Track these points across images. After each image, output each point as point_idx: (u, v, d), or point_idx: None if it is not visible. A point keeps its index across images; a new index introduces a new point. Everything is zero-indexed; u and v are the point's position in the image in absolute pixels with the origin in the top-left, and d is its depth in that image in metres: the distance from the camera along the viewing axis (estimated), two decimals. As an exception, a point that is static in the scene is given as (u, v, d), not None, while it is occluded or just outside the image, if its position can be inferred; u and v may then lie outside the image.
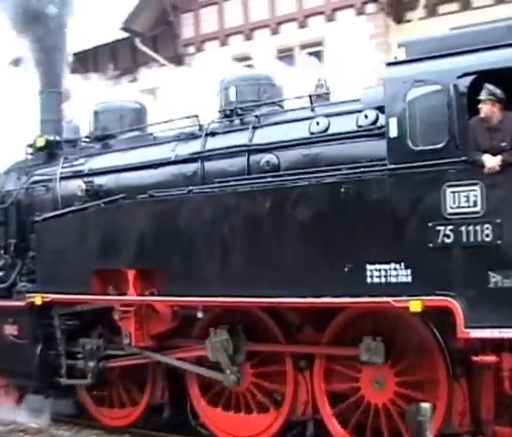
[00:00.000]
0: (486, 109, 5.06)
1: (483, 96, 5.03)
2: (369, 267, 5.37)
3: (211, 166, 6.93)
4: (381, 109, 5.72)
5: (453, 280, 5.06)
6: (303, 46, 15.50)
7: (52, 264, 7.46)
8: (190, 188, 6.53)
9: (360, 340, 5.75)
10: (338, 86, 7.10)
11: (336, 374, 6.19)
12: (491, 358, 5.03)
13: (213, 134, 7.11)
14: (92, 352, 7.37)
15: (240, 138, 6.88)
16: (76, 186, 7.77)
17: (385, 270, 5.29)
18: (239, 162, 6.76)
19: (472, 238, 5.01)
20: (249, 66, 11.06)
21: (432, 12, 14.67)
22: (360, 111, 6.18)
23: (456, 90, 5.10)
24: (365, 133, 5.99)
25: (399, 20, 14.99)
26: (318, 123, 6.40)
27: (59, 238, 7.42)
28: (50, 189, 8.32)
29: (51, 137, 8.54)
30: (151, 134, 7.93)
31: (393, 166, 5.33)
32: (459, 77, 5.13)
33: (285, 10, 15.80)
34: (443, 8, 14.62)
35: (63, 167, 8.21)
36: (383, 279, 5.31)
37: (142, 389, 7.44)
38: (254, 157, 6.66)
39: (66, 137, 8.79)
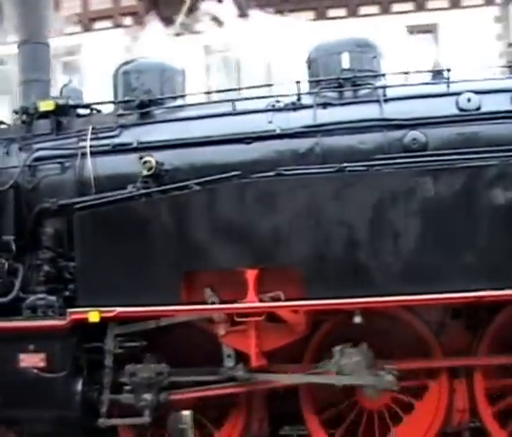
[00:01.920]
0: None
1: None
2: None
3: (333, 142, 5.75)
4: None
5: None
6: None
7: (111, 267, 5.48)
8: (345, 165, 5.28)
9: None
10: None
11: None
12: None
13: (324, 105, 5.93)
14: (150, 381, 5.56)
15: (366, 112, 5.84)
16: (126, 164, 5.90)
17: None
18: (371, 138, 5.70)
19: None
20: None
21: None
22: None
23: None
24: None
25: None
26: (469, 100, 5.70)
27: (123, 233, 5.49)
28: (70, 168, 6.18)
29: (61, 101, 6.35)
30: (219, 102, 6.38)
31: None
32: None
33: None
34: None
35: (93, 139, 6.15)
36: None
37: (219, 424, 5.84)
38: (392, 134, 5.69)
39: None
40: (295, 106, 6.01)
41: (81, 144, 6.17)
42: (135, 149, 6.03)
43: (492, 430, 5.38)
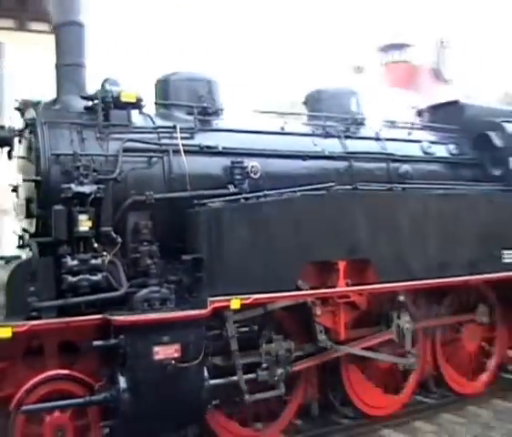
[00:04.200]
0: None
1: None
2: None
3: (360, 166, 7.48)
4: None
5: None
6: None
7: (241, 259, 5.93)
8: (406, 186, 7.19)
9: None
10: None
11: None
12: None
13: (347, 137, 7.61)
14: (281, 358, 6.28)
15: (373, 146, 7.77)
16: (213, 165, 6.40)
17: None
18: (380, 167, 7.68)
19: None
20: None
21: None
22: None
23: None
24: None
25: None
26: (429, 146, 8.24)
27: (250, 229, 6.03)
28: (157, 163, 6.17)
29: (135, 95, 6.17)
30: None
31: None
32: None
33: None
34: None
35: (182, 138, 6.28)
36: None
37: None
38: (393, 165, 7.78)
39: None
40: (326, 134, 7.50)
41: (171, 141, 6.27)
42: (220, 153, 6.52)
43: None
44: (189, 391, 5.62)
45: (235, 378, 5.99)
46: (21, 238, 6.40)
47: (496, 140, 8.22)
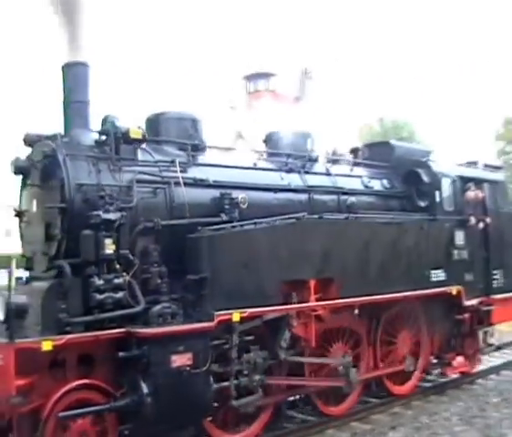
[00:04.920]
0: None
1: None
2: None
3: (317, 198, 8.68)
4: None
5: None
6: None
7: (237, 278, 6.86)
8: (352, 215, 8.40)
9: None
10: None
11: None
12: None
13: (306, 172, 8.79)
14: (258, 366, 7.21)
15: (325, 180, 9.00)
16: (205, 195, 7.32)
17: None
18: (332, 199, 8.93)
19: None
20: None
21: None
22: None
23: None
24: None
25: None
26: (369, 181, 9.62)
27: (244, 252, 6.98)
28: (160, 193, 6.95)
29: (141, 131, 6.91)
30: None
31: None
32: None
33: None
34: None
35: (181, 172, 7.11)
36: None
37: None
38: (342, 197, 9.05)
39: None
40: (287, 170, 8.63)
41: (171, 174, 7.08)
42: (210, 185, 7.42)
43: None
44: (199, 393, 6.46)
45: (226, 383, 6.88)
46: (28, 259, 6.89)
47: (424, 176, 9.81)
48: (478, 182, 10.60)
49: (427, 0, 75.31)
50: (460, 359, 10.30)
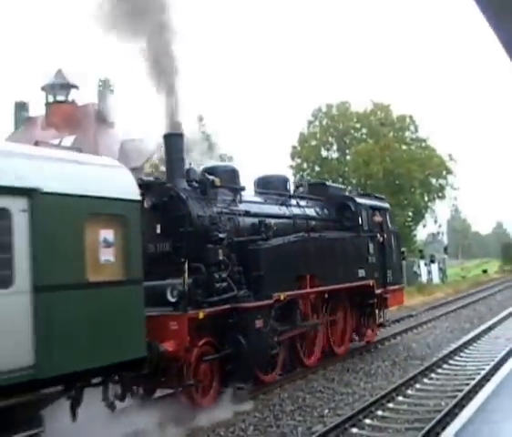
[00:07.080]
0: None
1: None
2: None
3: (298, 223, 13.07)
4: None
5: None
6: None
7: (276, 274, 11.00)
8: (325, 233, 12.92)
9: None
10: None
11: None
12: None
13: (289, 205, 13.13)
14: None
15: (298, 210, 13.43)
16: (250, 222, 11.35)
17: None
18: (303, 223, 13.38)
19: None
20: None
21: None
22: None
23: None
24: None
25: None
26: (317, 210, 14.25)
27: (281, 257, 11.15)
28: (231, 220, 10.83)
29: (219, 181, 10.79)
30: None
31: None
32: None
33: None
34: None
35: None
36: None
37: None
38: (308, 222, 13.53)
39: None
40: (280, 203, 12.92)
41: (234, 208, 11.02)
42: (252, 215, 11.46)
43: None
44: (268, 344, 10.49)
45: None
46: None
47: (352, 207, 14.79)
48: (379, 210, 15.88)
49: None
50: (369, 331, 15.42)
